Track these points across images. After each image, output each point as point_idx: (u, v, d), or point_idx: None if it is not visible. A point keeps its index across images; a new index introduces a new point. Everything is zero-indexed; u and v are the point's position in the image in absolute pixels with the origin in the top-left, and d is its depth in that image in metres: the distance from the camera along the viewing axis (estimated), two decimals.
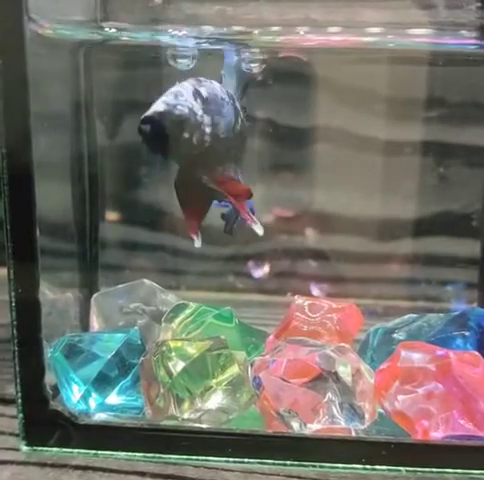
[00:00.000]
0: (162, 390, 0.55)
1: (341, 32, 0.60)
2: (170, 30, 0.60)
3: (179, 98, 0.53)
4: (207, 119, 0.54)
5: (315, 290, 0.81)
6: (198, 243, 0.59)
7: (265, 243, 0.83)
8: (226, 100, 0.57)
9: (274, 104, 0.79)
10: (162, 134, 0.52)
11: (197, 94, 0.54)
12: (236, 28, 0.60)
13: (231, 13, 0.59)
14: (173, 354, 0.55)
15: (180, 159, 0.57)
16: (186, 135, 0.53)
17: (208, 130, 0.54)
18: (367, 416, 0.54)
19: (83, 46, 0.64)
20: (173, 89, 0.54)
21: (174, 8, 0.60)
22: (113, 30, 0.61)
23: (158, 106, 0.52)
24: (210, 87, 0.56)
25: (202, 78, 0.57)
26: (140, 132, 0.52)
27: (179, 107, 0.52)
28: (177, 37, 0.60)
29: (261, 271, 0.83)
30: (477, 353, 0.55)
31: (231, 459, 0.55)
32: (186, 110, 0.53)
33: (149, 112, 0.52)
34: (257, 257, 0.83)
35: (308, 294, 0.79)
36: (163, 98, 0.53)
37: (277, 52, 0.71)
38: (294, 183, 0.83)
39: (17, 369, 0.55)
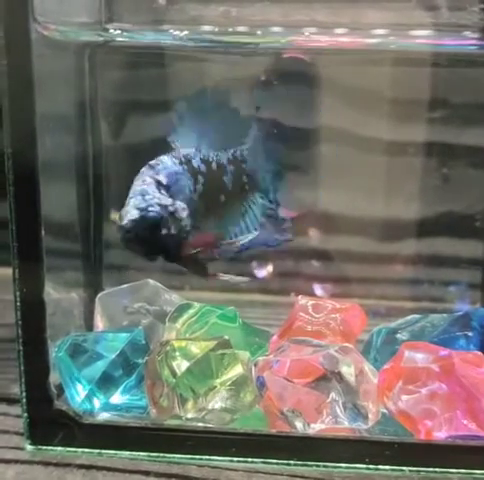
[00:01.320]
0: (166, 390, 0.55)
1: (345, 34, 0.60)
2: (171, 31, 0.60)
3: (146, 197, 0.55)
4: (178, 204, 0.57)
5: (318, 290, 0.81)
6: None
7: None
8: (179, 171, 0.59)
9: (278, 105, 0.79)
10: (145, 239, 0.56)
11: (159, 185, 0.57)
12: (240, 29, 0.60)
13: (236, 14, 0.59)
14: (177, 354, 0.56)
15: (165, 251, 0.59)
16: (165, 231, 0.56)
17: (184, 214, 0.57)
18: (370, 416, 0.54)
19: (88, 47, 0.65)
20: (138, 188, 0.56)
21: (179, 9, 0.60)
22: (117, 31, 0.61)
23: (131, 213, 0.55)
24: (164, 170, 0.58)
25: (153, 162, 0.59)
26: (125, 243, 0.56)
27: (150, 209, 0.55)
28: (178, 38, 0.61)
29: (264, 271, 0.83)
30: (480, 353, 0.55)
31: (235, 459, 0.55)
32: (157, 208, 0.55)
33: (125, 222, 0.55)
34: (261, 257, 0.83)
35: (311, 294, 0.79)
36: (133, 201, 0.55)
37: (281, 53, 0.71)
38: (298, 183, 0.83)
39: (22, 369, 0.55)
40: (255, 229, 0.65)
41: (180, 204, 0.57)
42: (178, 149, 0.60)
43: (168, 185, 0.57)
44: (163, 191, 0.56)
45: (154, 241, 0.56)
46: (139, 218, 0.55)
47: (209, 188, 0.61)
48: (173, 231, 0.56)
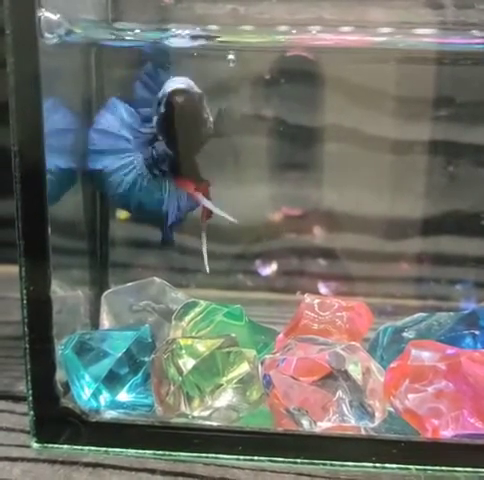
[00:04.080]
0: (172, 388, 0.55)
1: (351, 32, 0.60)
2: (173, 30, 0.60)
3: (189, 82, 0.58)
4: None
5: (324, 289, 0.81)
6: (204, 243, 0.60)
7: (274, 242, 0.83)
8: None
9: (284, 103, 0.79)
10: (189, 107, 0.58)
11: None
12: (246, 27, 0.60)
13: (243, 13, 0.59)
14: (183, 352, 0.56)
15: (193, 142, 0.60)
16: (205, 115, 0.58)
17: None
18: (377, 414, 0.54)
19: (94, 45, 0.64)
20: (176, 78, 0.59)
21: (186, 8, 0.60)
22: (124, 30, 0.61)
23: (178, 85, 0.57)
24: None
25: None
26: (168, 104, 0.57)
27: (195, 89, 0.58)
28: (181, 37, 0.61)
29: (269, 269, 0.83)
30: None
31: (241, 457, 0.55)
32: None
33: (175, 87, 0.57)
34: (266, 256, 0.83)
35: (317, 292, 0.79)
36: (171, 83, 0.58)
37: (287, 51, 0.71)
38: (303, 182, 0.83)
39: (28, 366, 0.55)
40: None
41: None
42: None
43: None
44: None
45: (196, 115, 0.58)
46: (187, 88, 0.57)
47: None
48: (210, 125, 0.59)
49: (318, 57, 0.74)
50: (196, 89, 0.59)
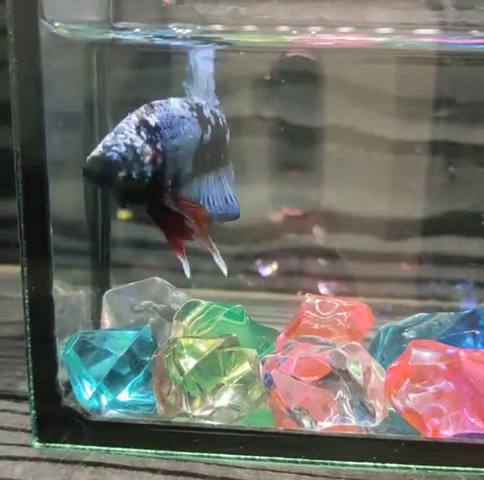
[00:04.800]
0: (174, 387, 0.55)
1: (352, 32, 0.60)
2: (174, 29, 0.60)
3: (118, 136, 0.55)
4: (149, 149, 0.55)
5: (324, 289, 0.81)
6: (188, 271, 0.60)
7: (274, 242, 0.83)
8: (187, 116, 0.59)
9: (284, 103, 0.79)
10: (102, 178, 0.55)
11: (143, 125, 0.56)
12: (248, 28, 0.60)
13: (244, 13, 0.59)
14: (184, 351, 0.56)
15: (128, 195, 0.57)
16: (122, 174, 0.54)
17: (149, 159, 0.55)
18: (378, 414, 0.54)
19: (96, 45, 0.65)
20: (119, 125, 0.56)
21: (187, 8, 0.60)
22: (125, 30, 0.61)
23: (97, 149, 0.54)
24: (163, 112, 0.57)
25: (157, 102, 0.58)
26: (82, 175, 0.55)
27: (114, 148, 0.54)
28: (182, 36, 0.61)
29: (269, 270, 0.83)
30: None
31: (242, 456, 0.55)
32: (122, 149, 0.54)
33: (88, 156, 0.54)
34: (266, 256, 0.83)
35: (317, 293, 0.79)
36: (105, 138, 0.55)
37: (287, 52, 0.71)
38: (303, 182, 0.83)
39: (30, 366, 0.55)
40: (225, 201, 0.64)
41: (147, 149, 0.55)
42: (190, 95, 0.60)
43: (157, 126, 0.56)
44: (143, 132, 0.55)
45: (109, 181, 0.55)
46: (99, 156, 0.54)
47: (215, 141, 0.60)
48: (135, 176, 0.55)
49: (318, 57, 0.74)
50: (114, 148, 0.54)
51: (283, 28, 0.59)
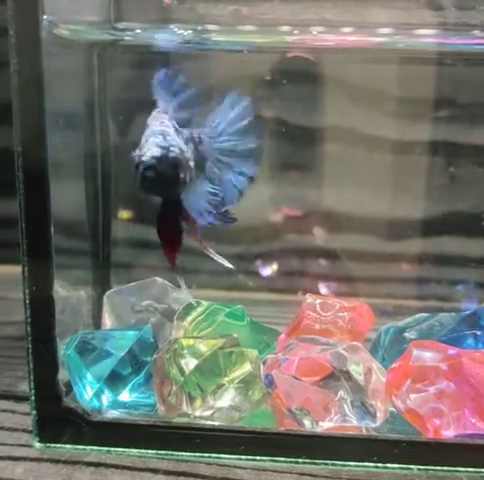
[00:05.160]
0: (174, 388, 0.55)
1: (352, 32, 0.61)
2: (175, 30, 0.60)
3: (168, 138, 0.54)
4: (190, 154, 0.56)
5: (324, 289, 0.81)
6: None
7: (275, 242, 0.83)
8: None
9: (285, 103, 0.79)
10: (163, 179, 0.54)
11: (177, 131, 0.56)
12: (248, 28, 0.60)
13: (246, 13, 0.59)
14: (185, 352, 0.56)
15: (173, 197, 0.58)
16: (182, 175, 0.55)
17: (192, 165, 0.56)
18: (379, 414, 0.54)
19: (97, 46, 0.65)
20: (157, 128, 0.55)
21: (188, 8, 0.60)
22: (126, 30, 0.61)
23: (153, 151, 0.54)
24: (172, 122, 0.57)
25: (162, 113, 0.58)
26: (142, 179, 0.54)
27: (172, 149, 0.54)
28: (182, 37, 0.61)
29: (269, 270, 0.83)
30: None
31: (243, 456, 0.55)
32: (177, 150, 0.54)
33: (147, 158, 0.54)
34: (267, 256, 0.83)
35: (318, 293, 0.79)
36: (153, 139, 0.54)
37: (287, 52, 0.71)
38: (304, 182, 0.83)
39: (31, 366, 0.56)
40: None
41: (189, 154, 0.55)
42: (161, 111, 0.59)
43: (181, 133, 0.56)
44: (180, 137, 0.56)
45: (172, 182, 0.55)
46: (162, 156, 0.53)
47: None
48: (187, 178, 0.55)
49: (319, 57, 0.74)
50: (173, 148, 0.54)
51: (284, 28, 0.59)
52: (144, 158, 0.53)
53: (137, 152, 0.55)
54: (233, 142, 0.62)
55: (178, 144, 0.55)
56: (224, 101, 0.61)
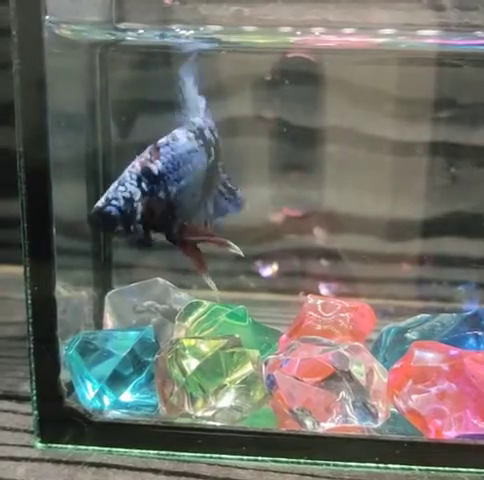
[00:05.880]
0: (176, 388, 0.55)
1: (354, 33, 0.61)
2: (177, 30, 0.60)
3: (119, 188, 0.55)
4: (145, 200, 0.56)
5: (325, 289, 0.81)
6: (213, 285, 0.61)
7: (276, 243, 0.83)
8: (194, 148, 0.58)
9: (286, 104, 0.79)
10: (102, 229, 0.59)
11: (145, 175, 0.56)
12: (248, 28, 0.60)
13: (248, 14, 0.59)
14: (187, 352, 0.56)
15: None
16: (120, 228, 0.55)
17: (146, 213, 0.56)
18: (380, 415, 0.54)
19: (99, 46, 0.65)
20: (125, 172, 0.56)
21: (190, 9, 0.60)
22: (128, 31, 0.61)
23: (101, 199, 0.55)
24: (170, 154, 0.57)
25: (164, 140, 0.57)
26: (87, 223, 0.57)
27: (113, 202, 0.55)
28: (185, 37, 0.61)
29: (269, 270, 0.83)
30: None
31: (245, 457, 0.55)
32: (121, 202, 0.55)
33: (95, 206, 0.55)
34: (268, 257, 0.83)
35: (319, 293, 0.79)
36: (110, 188, 0.55)
37: (288, 52, 0.71)
38: (305, 183, 0.83)
39: (32, 366, 0.55)
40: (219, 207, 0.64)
41: (139, 205, 0.55)
42: (190, 120, 0.59)
43: (161, 173, 0.56)
44: (144, 183, 0.55)
45: (109, 232, 0.58)
46: (100, 207, 0.54)
47: (216, 159, 0.60)
48: (132, 230, 0.56)
49: (321, 58, 0.74)
50: (116, 201, 0.55)
51: (286, 29, 0.59)
52: (96, 203, 0.55)
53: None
54: None
55: (129, 194, 0.55)
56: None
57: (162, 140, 0.57)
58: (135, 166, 0.56)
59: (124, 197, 0.54)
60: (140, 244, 0.58)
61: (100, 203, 0.54)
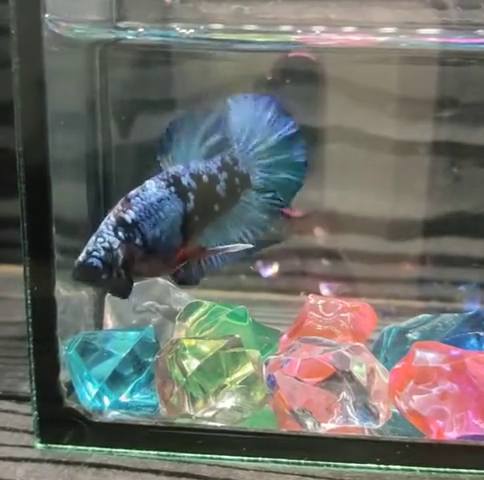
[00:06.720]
0: (176, 388, 0.55)
1: (355, 32, 0.60)
2: (178, 29, 0.60)
3: (98, 240, 0.56)
4: (126, 248, 0.57)
5: (326, 289, 0.81)
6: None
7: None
8: (165, 197, 0.59)
9: (287, 103, 0.78)
10: (87, 282, 0.58)
11: (119, 224, 0.57)
12: (249, 27, 0.60)
13: (248, 12, 0.59)
14: (187, 352, 0.56)
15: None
16: (104, 276, 0.56)
17: (127, 258, 0.57)
18: (381, 416, 0.54)
19: (99, 45, 0.64)
20: (101, 225, 0.57)
21: (190, 7, 0.60)
22: (128, 29, 0.61)
23: (82, 253, 0.56)
24: (140, 203, 0.58)
25: (134, 192, 0.58)
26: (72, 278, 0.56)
27: (94, 253, 0.56)
28: (185, 36, 0.61)
29: (270, 270, 0.83)
30: None
31: (245, 458, 0.55)
32: (101, 253, 0.56)
33: (75, 262, 0.56)
34: (269, 257, 0.83)
35: (320, 293, 0.79)
36: (89, 242, 0.56)
37: (289, 51, 0.71)
38: (306, 182, 0.82)
39: (32, 367, 0.55)
40: (260, 229, 0.64)
41: (119, 252, 0.57)
42: (165, 169, 0.60)
43: (135, 222, 0.57)
44: (120, 232, 0.57)
45: (93, 284, 0.60)
46: (82, 262, 0.55)
47: (201, 203, 0.61)
48: (115, 276, 0.57)
49: (322, 57, 0.74)
50: (95, 254, 0.56)
51: (287, 27, 0.59)
52: (77, 259, 0.56)
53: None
54: (271, 146, 0.64)
55: (108, 244, 0.56)
56: (239, 107, 0.62)
57: (132, 192, 0.58)
58: (110, 218, 0.57)
59: (104, 247, 0.56)
60: (119, 293, 0.59)
61: (81, 257, 0.55)
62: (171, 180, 0.60)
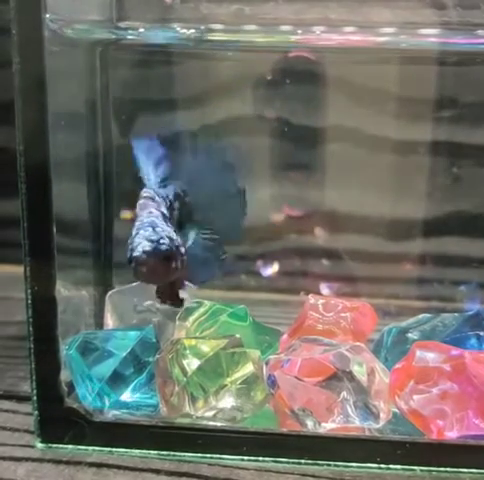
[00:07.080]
0: (177, 388, 0.55)
1: (355, 32, 0.60)
2: (178, 29, 0.60)
3: (157, 230, 0.55)
4: (180, 239, 0.57)
5: (326, 289, 0.81)
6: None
7: (277, 242, 0.83)
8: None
9: (287, 103, 0.79)
10: (157, 272, 0.55)
11: (164, 217, 0.57)
12: (249, 27, 0.60)
13: (249, 13, 0.59)
14: (188, 352, 0.56)
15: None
16: (174, 265, 0.55)
17: (183, 249, 0.57)
18: (382, 415, 0.54)
19: (99, 45, 0.65)
20: (146, 220, 0.56)
21: (191, 8, 0.60)
22: (129, 29, 0.61)
23: (144, 245, 0.54)
24: (163, 202, 0.59)
25: (148, 194, 0.59)
26: (136, 274, 0.55)
27: (162, 241, 0.54)
28: (185, 36, 0.61)
29: (270, 270, 0.83)
30: None
31: (246, 457, 0.55)
32: (167, 241, 0.55)
33: (138, 253, 0.54)
34: (269, 256, 0.83)
35: (320, 293, 0.79)
36: (142, 233, 0.55)
37: (289, 51, 0.71)
38: (306, 182, 0.83)
39: (33, 366, 0.55)
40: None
41: (179, 239, 0.56)
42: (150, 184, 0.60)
43: (169, 218, 0.57)
44: (169, 224, 0.56)
45: (166, 273, 0.55)
46: (152, 250, 0.53)
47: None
48: (179, 264, 0.56)
49: (322, 57, 0.74)
50: (163, 240, 0.55)
51: (287, 27, 0.59)
52: (136, 253, 0.54)
53: (129, 245, 0.55)
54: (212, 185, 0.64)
55: (168, 233, 0.55)
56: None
57: (145, 193, 0.59)
58: (152, 213, 0.57)
59: (166, 236, 0.55)
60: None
61: (147, 247, 0.54)
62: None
